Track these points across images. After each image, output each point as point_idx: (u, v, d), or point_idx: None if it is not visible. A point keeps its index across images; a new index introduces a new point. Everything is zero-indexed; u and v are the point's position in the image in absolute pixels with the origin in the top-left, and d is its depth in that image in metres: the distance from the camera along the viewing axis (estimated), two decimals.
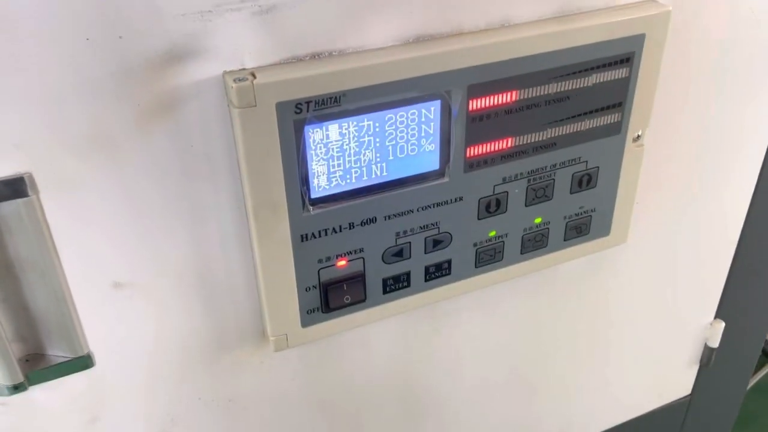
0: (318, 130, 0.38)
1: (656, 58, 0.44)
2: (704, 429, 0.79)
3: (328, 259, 0.42)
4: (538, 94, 0.42)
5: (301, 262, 0.41)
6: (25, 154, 0.33)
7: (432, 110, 0.40)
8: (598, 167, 0.47)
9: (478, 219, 0.45)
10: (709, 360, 0.70)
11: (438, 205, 0.43)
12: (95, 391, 0.42)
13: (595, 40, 0.42)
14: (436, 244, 0.45)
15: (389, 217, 0.42)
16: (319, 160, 0.39)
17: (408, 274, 0.45)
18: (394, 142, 0.40)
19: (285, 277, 0.41)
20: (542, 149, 0.44)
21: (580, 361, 0.63)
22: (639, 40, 0.43)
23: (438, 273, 0.46)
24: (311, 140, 0.38)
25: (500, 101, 0.41)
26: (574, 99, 0.43)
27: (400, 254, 0.44)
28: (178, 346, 0.43)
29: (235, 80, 0.34)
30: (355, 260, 0.43)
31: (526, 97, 0.42)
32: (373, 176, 0.41)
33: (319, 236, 0.41)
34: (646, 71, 0.44)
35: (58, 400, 0.41)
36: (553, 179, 0.46)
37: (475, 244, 0.46)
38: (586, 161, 0.46)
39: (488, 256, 0.47)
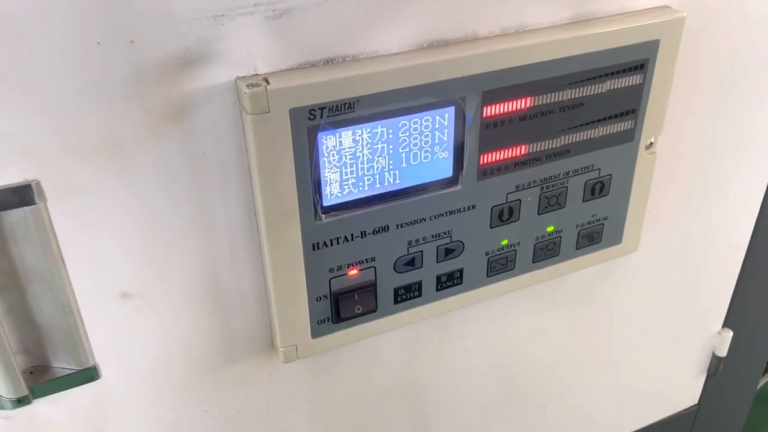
0: (331, 136, 0.37)
1: (670, 64, 0.44)
2: None
3: (340, 268, 0.41)
4: (552, 100, 0.41)
5: (312, 272, 0.40)
6: (32, 161, 0.32)
7: (446, 117, 0.39)
8: (611, 175, 0.47)
9: (491, 227, 0.44)
10: (716, 369, 0.69)
11: (451, 213, 0.42)
12: (100, 404, 0.41)
13: (609, 46, 0.41)
14: (448, 252, 0.44)
15: (401, 225, 0.41)
16: (332, 168, 0.38)
17: (419, 283, 0.44)
18: (407, 149, 0.39)
19: (296, 287, 0.40)
20: (555, 156, 0.44)
21: (587, 371, 0.62)
22: (653, 46, 0.43)
23: (450, 282, 0.45)
24: (324, 147, 0.37)
25: (515, 107, 0.40)
26: (589, 105, 0.43)
27: (411, 263, 0.43)
28: (185, 358, 0.42)
29: (248, 86, 0.33)
30: (367, 269, 0.42)
31: (540, 103, 0.41)
32: (386, 184, 0.40)
33: (331, 245, 0.40)
34: (660, 78, 0.44)
35: (62, 414, 0.40)
36: (566, 187, 0.45)
37: (487, 253, 0.45)
38: (599, 169, 0.46)
39: (500, 265, 0.46)
